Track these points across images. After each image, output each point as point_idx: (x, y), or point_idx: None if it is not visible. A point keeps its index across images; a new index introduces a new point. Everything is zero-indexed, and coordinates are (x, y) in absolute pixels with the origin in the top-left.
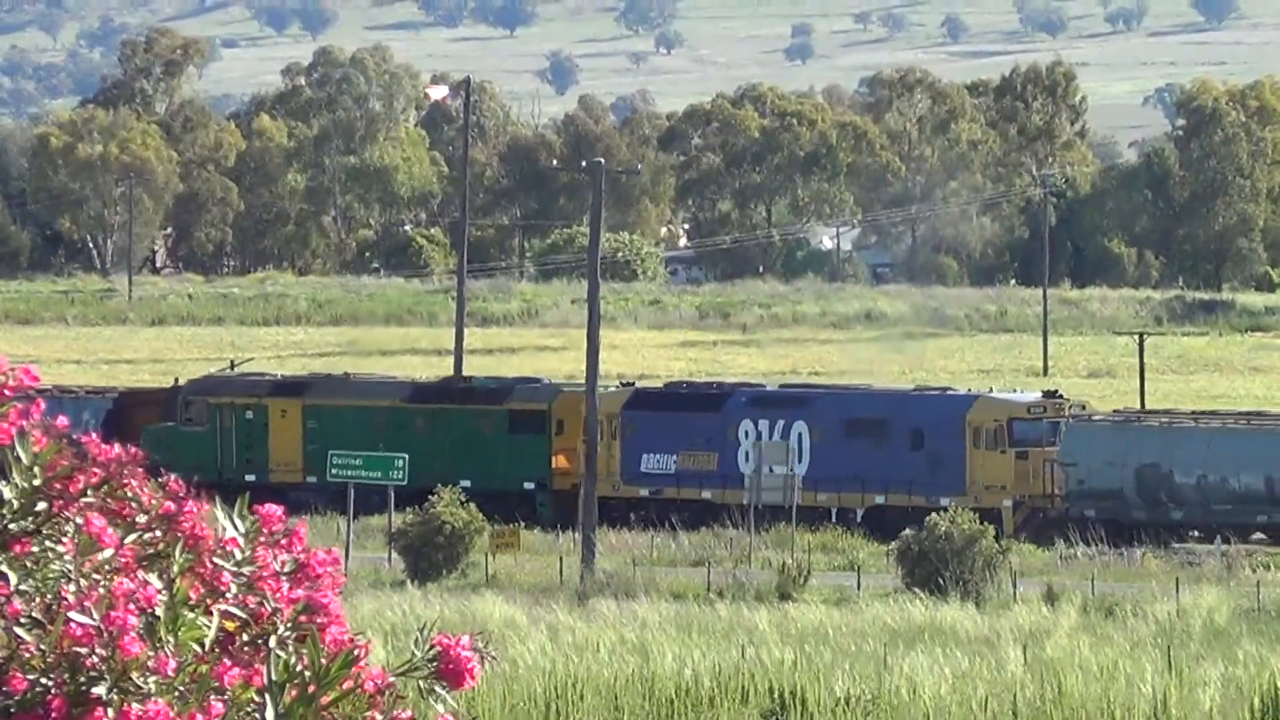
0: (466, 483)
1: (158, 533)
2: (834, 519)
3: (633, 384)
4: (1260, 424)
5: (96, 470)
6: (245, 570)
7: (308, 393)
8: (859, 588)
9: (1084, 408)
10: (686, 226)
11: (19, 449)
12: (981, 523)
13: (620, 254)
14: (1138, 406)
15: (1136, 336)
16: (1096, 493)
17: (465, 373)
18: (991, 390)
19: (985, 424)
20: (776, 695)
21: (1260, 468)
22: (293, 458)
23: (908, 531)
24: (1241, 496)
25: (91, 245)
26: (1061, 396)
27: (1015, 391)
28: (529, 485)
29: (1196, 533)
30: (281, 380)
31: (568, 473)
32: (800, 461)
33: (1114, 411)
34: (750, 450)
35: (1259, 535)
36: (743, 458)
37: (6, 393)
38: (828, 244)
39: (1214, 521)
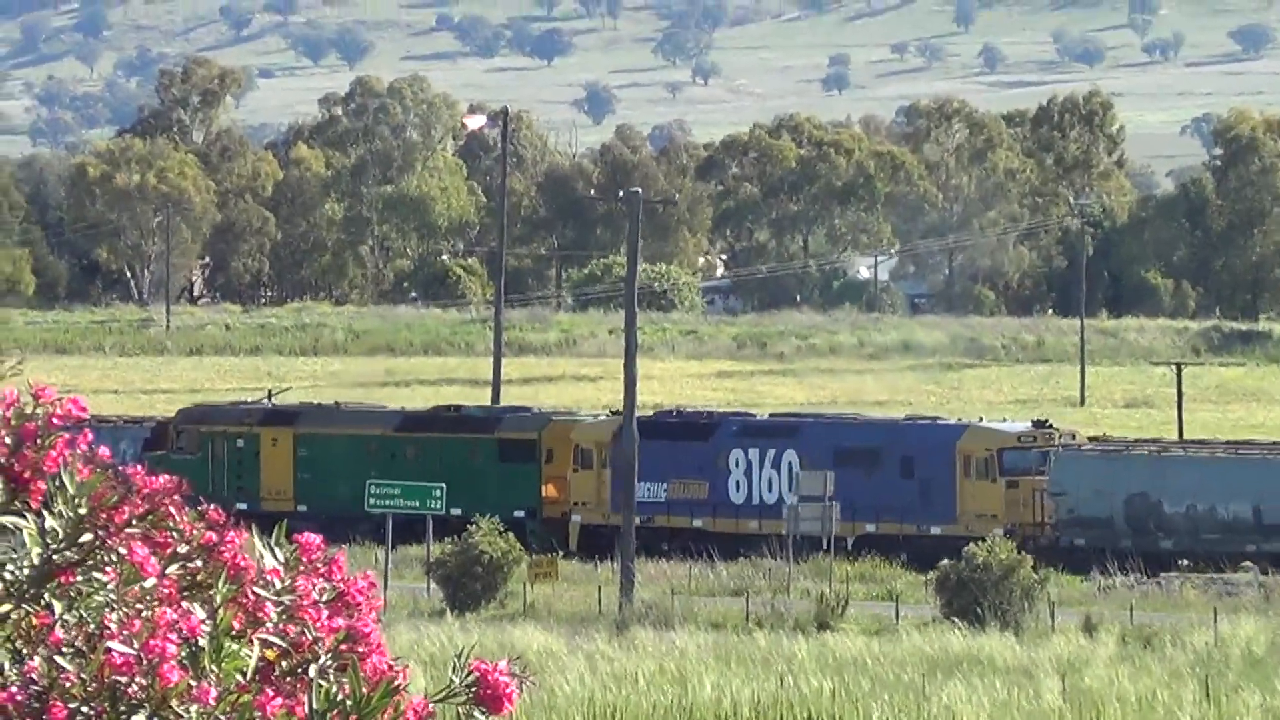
0: (457, 511)
1: (199, 563)
2: (825, 547)
3: (620, 413)
4: (1248, 454)
5: (141, 501)
6: (285, 599)
7: (299, 421)
8: (897, 617)
9: (1074, 437)
10: (724, 256)
11: (64, 479)
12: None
13: (657, 284)
14: (1175, 436)
15: (1174, 367)
16: (1086, 521)
17: (503, 402)
18: (982, 420)
19: (976, 453)
20: None
21: (1248, 497)
22: (284, 486)
23: (946, 562)
24: (1230, 525)
25: (129, 275)
26: (1051, 426)
27: (1005, 421)
28: (519, 513)
29: (1186, 562)
30: (273, 409)
31: (557, 501)
32: (790, 490)
33: (1102, 441)
34: (741, 480)
35: (1246, 564)
36: (733, 486)
37: (54, 422)
38: (865, 274)
39: (1203, 550)
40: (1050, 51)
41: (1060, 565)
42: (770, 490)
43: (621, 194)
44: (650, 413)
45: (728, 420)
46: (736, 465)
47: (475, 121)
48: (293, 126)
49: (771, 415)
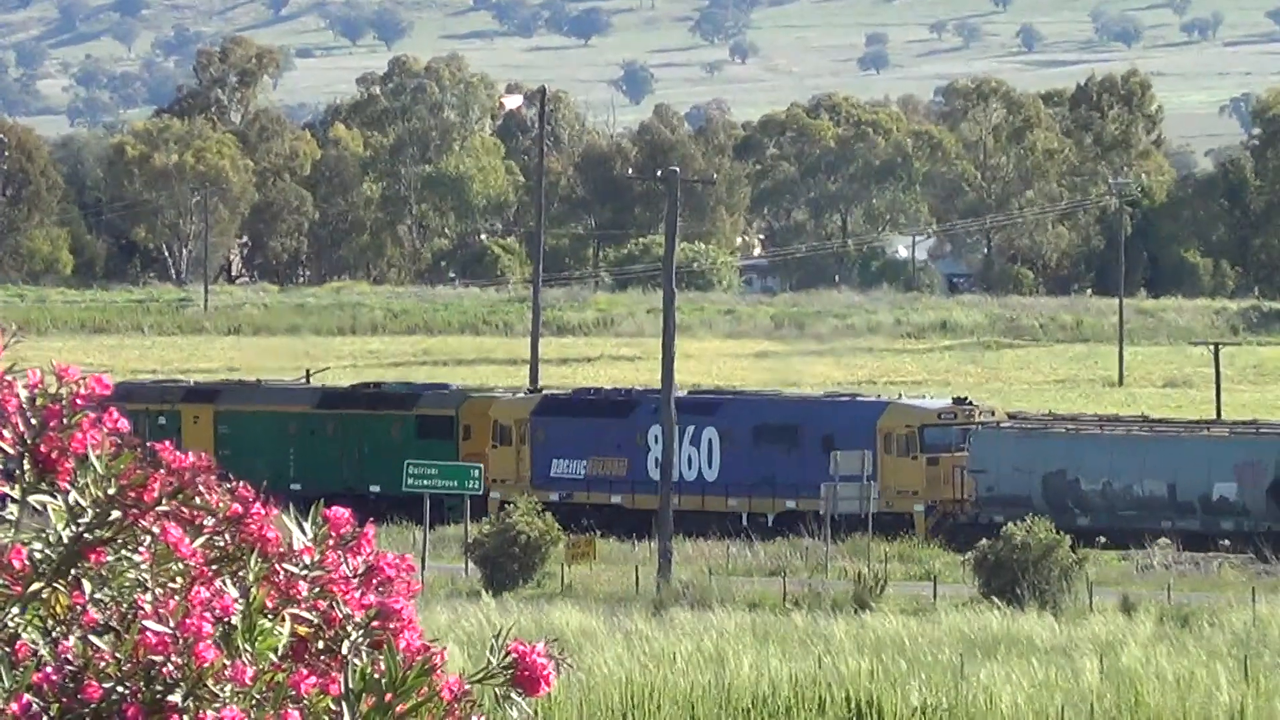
0: (376, 488)
1: (226, 536)
2: (745, 523)
3: (541, 390)
4: (1163, 432)
5: (170, 478)
6: (314, 574)
7: (219, 399)
8: (935, 597)
9: (993, 414)
10: (761, 236)
11: (92, 458)
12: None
13: (695, 264)
14: (1214, 416)
15: (1212, 347)
16: (1005, 499)
17: (541, 382)
18: (901, 397)
19: (896, 430)
20: (853, 705)
21: (1163, 474)
22: None
23: (984, 541)
24: (1145, 502)
25: (167, 254)
26: (971, 404)
27: (926, 398)
28: None
29: (1103, 539)
30: (194, 386)
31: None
32: (710, 467)
33: (1021, 419)
34: (660, 456)
35: (1162, 540)
36: (652, 463)
37: (79, 401)
38: (903, 253)
39: (1119, 527)
40: (1088, 30)
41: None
42: (690, 467)
43: (659, 173)
44: (568, 391)
45: (647, 397)
46: (656, 441)
47: (513, 101)
48: (331, 106)
49: (690, 393)
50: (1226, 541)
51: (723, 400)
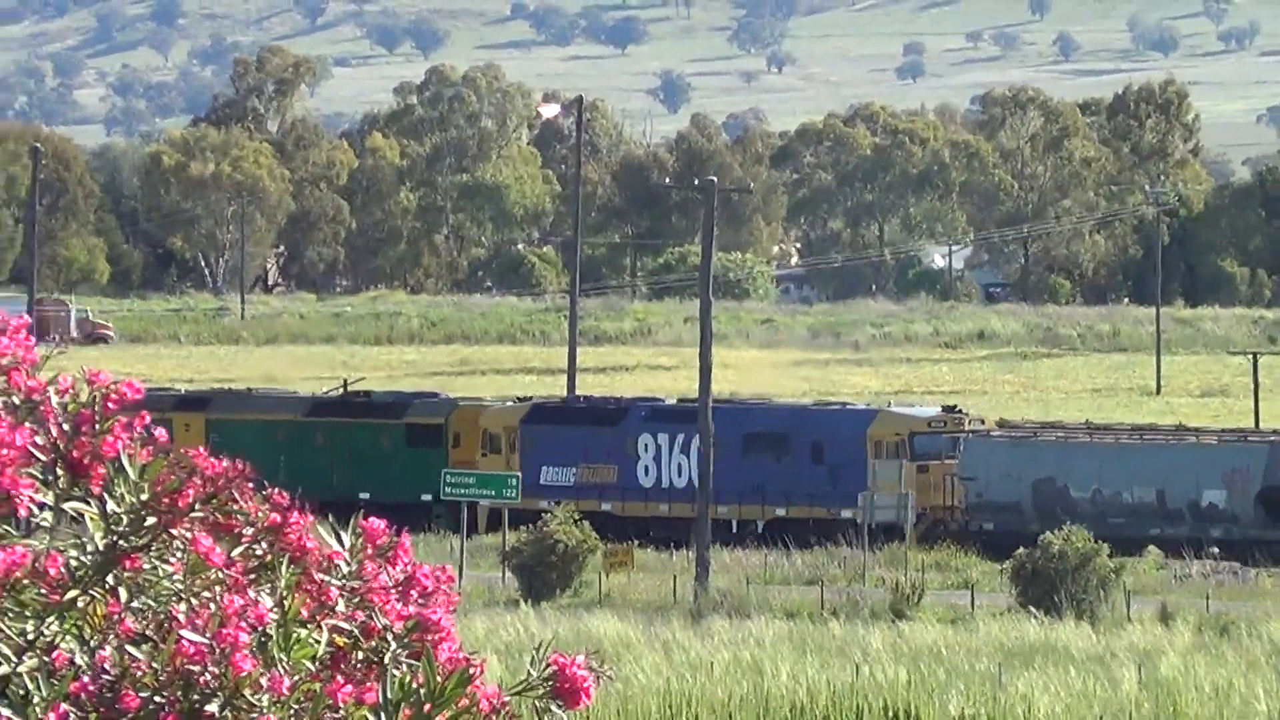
0: (365, 495)
1: (264, 545)
2: (734, 531)
3: (530, 399)
4: (1152, 439)
5: (203, 484)
6: (353, 584)
7: (210, 407)
8: (973, 606)
9: (983, 423)
10: (798, 245)
11: (125, 463)
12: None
13: (732, 273)
14: (1252, 425)
15: (1250, 356)
16: (995, 506)
17: (578, 392)
18: (891, 405)
19: (886, 438)
20: (891, 714)
21: (1152, 482)
22: None
23: (1021, 550)
24: (1134, 509)
25: (204, 264)
26: (961, 412)
27: (915, 406)
28: (426, 497)
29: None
30: (185, 395)
31: None
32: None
33: (1011, 426)
34: (650, 464)
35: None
36: (642, 471)
37: (110, 406)
38: (940, 263)
39: (1108, 535)
40: (1125, 40)
41: (972, 548)
42: (680, 474)
43: (696, 182)
44: (557, 399)
45: (636, 405)
46: (645, 450)
47: (550, 110)
48: (367, 115)
49: (679, 401)
50: (1216, 549)
51: (713, 408)
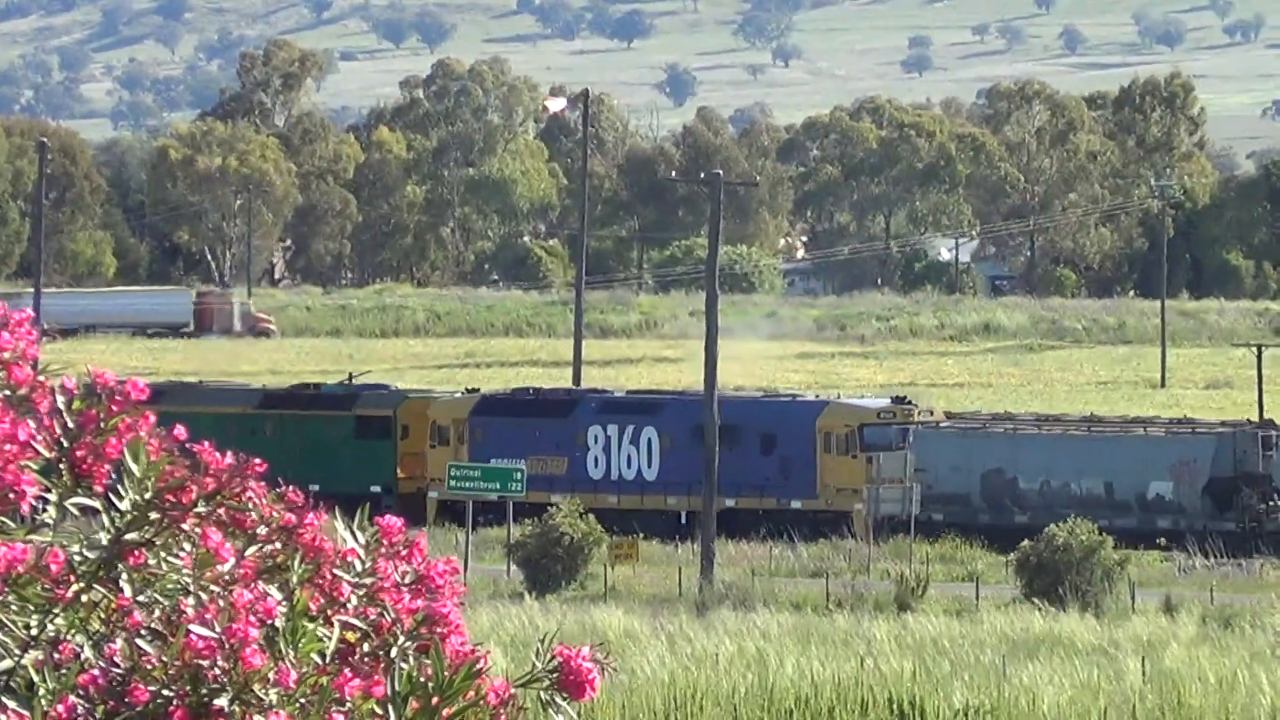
0: (315, 487)
1: (278, 544)
2: (684, 522)
3: (478, 390)
4: (1100, 431)
5: (209, 480)
6: (365, 581)
7: (161, 400)
8: (977, 598)
9: (932, 414)
10: (804, 238)
11: (129, 461)
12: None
13: (738, 266)
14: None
15: (1255, 348)
16: (944, 497)
17: (584, 385)
18: (840, 396)
19: (836, 429)
20: (895, 706)
21: (1100, 473)
22: None
23: (1027, 543)
24: (1082, 501)
25: (210, 257)
26: (910, 403)
27: (864, 398)
28: (375, 489)
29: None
30: None
31: (412, 477)
32: (650, 467)
33: (960, 418)
34: (599, 456)
35: None
36: (592, 463)
37: (114, 407)
38: (946, 256)
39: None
40: (1131, 33)
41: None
42: (629, 466)
43: (703, 176)
44: (507, 391)
45: (586, 397)
46: (595, 441)
47: (556, 104)
48: (374, 109)
49: (629, 393)
50: (1162, 540)
51: (663, 400)
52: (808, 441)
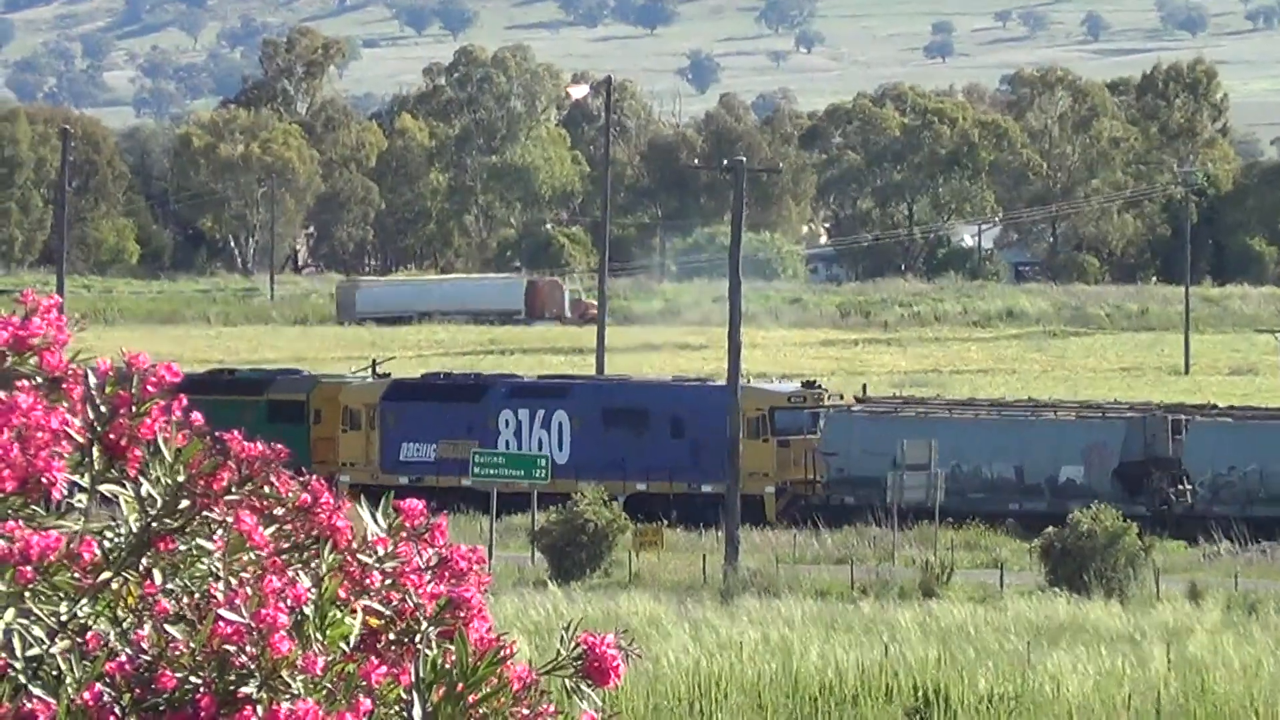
0: None
1: (295, 525)
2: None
3: (389, 375)
4: (1011, 415)
5: (238, 467)
6: (388, 565)
7: None
8: (1002, 585)
9: (842, 398)
10: (827, 225)
11: (161, 446)
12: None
13: (761, 252)
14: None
15: (1277, 334)
16: (856, 480)
17: (608, 372)
18: (751, 380)
19: (748, 413)
20: (920, 693)
21: (1011, 457)
22: None
23: (1051, 529)
24: (994, 485)
25: (233, 245)
26: (821, 387)
27: (775, 381)
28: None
29: (951, 519)
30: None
31: (324, 461)
32: (561, 450)
33: (871, 402)
34: (510, 440)
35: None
36: (503, 446)
37: (149, 389)
38: (969, 242)
39: (968, 509)
40: (1154, 19)
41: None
42: (540, 450)
43: (725, 163)
44: (418, 376)
45: (498, 382)
46: (506, 425)
47: (579, 91)
48: (397, 97)
49: (540, 377)
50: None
51: (572, 384)
52: (719, 425)
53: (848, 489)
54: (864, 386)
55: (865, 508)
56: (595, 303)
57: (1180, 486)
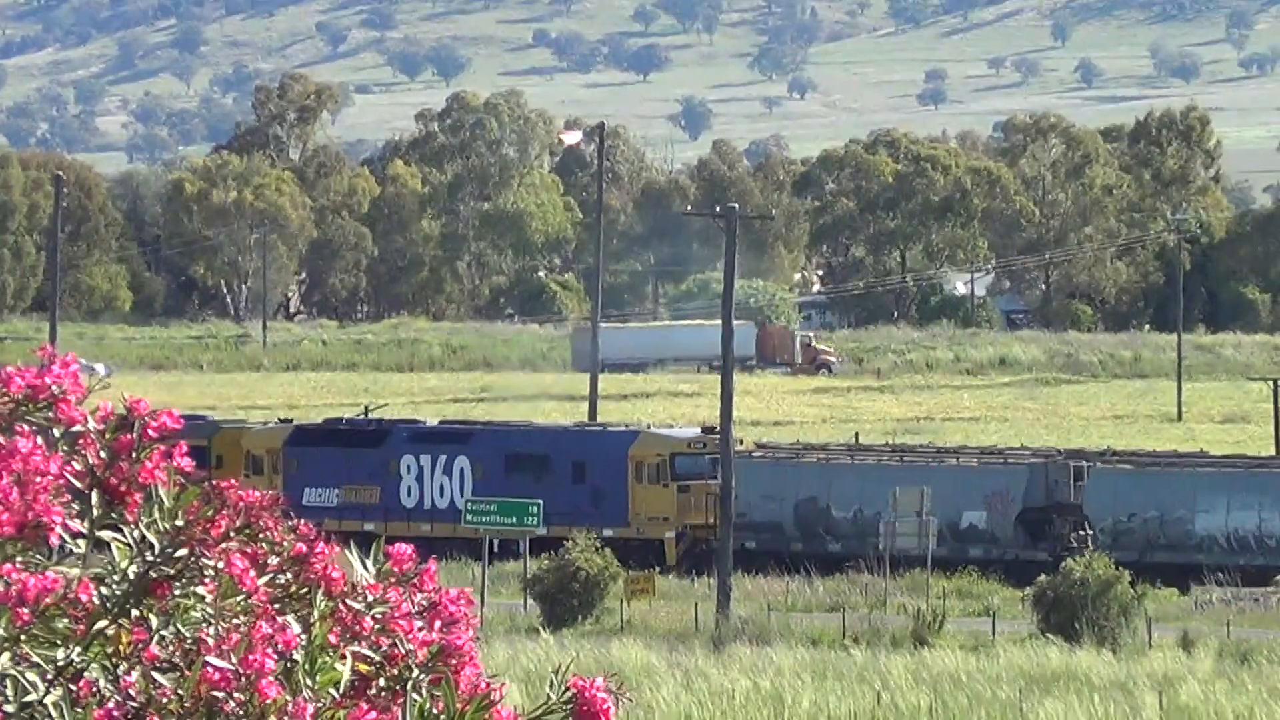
0: None
1: (289, 575)
2: (496, 549)
3: (291, 420)
4: (912, 461)
5: (236, 514)
6: (378, 611)
7: None
8: (994, 633)
9: (742, 444)
10: (820, 272)
11: (160, 492)
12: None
13: (754, 300)
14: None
15: (1271, 382)
16: (757, 525)
17: (599, 419)
18: (651, 426)
19: (647, 459)
20: None
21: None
22: None
23: (1043, 577)
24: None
25: (225, 291)
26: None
27: (674, 427)
28: None
29: (851, 564)
30: None
31: None
32: (462, 495)
33: (772, 448)
34: (412, 485)
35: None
36: (405, 491)
37: (149, 434)
38: (962, 290)
39: (868, 554)
40: (1147, 66)
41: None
42: (442, 495)
43: (718, 209)
44: (319, 421)
45: (399, 427)
46: (408, 471)
47: (572, 137)
48: (389, 143)
49: (442, 423)
50: (974, 568)
51: (474, 430)
52: (619, 471)
53: (749, 533)
54: (855, 435)
55: (765, 553)
56: (827, 350)
57: (1081, 532)
